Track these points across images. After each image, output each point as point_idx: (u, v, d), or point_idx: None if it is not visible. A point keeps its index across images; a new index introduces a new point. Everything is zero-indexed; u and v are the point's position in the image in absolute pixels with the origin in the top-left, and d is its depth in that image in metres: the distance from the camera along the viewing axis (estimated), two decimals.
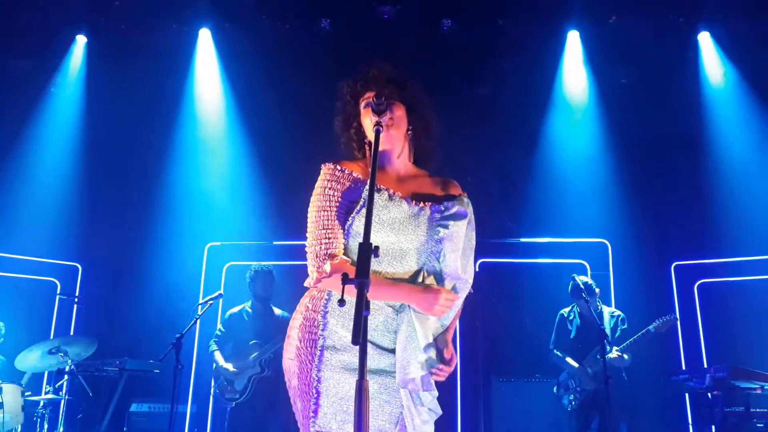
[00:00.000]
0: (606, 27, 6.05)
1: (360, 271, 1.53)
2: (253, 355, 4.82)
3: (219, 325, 5.14)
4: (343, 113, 2.14)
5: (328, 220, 1.95)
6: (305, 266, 1.98)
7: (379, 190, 1.97)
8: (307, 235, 1.98)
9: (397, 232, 1.95)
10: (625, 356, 4.72)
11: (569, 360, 4.94)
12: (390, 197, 1.97)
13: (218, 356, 4.95)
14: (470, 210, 2.05)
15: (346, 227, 1.96)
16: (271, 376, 4.79)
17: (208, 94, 6.52)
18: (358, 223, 1.95)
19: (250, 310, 5.08)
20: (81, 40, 6.37)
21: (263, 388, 4.78)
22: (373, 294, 1.78)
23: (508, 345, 5.79)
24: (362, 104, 2.09)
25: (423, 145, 2.15)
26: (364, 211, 1.92)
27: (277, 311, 5.10)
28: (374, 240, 1.88)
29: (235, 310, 5.11)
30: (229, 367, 4.84)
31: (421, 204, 2.00)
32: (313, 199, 2.01)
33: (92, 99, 6.42)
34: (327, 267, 1.89)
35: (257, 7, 6.02)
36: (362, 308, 1.48)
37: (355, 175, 2.01)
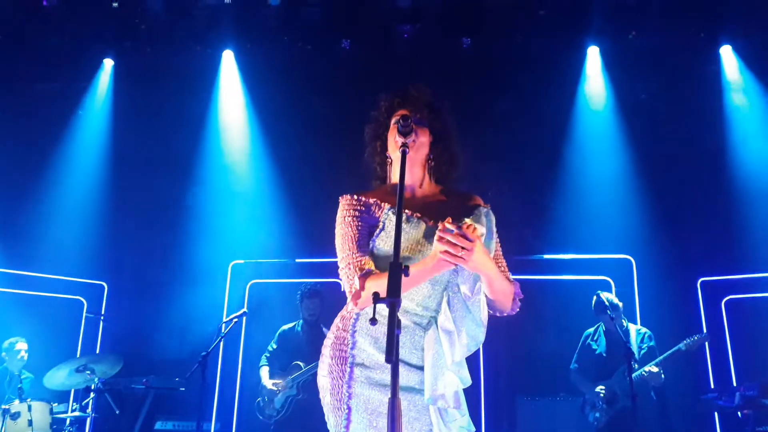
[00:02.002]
0: (626, 42, 6.06)
1: (391, 290, 1.55)
2: (291, 377, 4.82)
3: (272, 342, 5.12)
4: (375, 123, 2.20)
5: (353, 242, 2.00)
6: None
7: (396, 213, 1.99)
8: (338, 263, 2.03)
9: (416, 252, 1.98)
10: (662, 375, 4.61)
11: (587, 384, 4.89)
12: (407, 219, 2.00)
13: (263, 372, 4.97)
14: (488, 219, 2.05)
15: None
16: (307, 398, 4.75)
17: (232, 114, 6.62)
18: (378, 246, 2.00)
19: (299, 329, 5.07)
20: (108, 64, 6.54)
21: (300, 411, 4.72)
22: (408, 284, 1.76)
23: (533, 363, 5.73)
24: (393, 120, 2.13)
25: (443, 171, 2.16)
26: (382, 234, 2.00)
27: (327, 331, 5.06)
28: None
29: (287, 327, 5.12)
30: (269, 384, 4.86)
31: (438, 223, 2.01)
32: (336, 230, 2.08)
33: (119, 120, 6.57)
34: (356, 283, 1.92)
35: (279, 29, 6.12)
36: (394, 327, 1.50)
37: (371, 201, 2.06)
